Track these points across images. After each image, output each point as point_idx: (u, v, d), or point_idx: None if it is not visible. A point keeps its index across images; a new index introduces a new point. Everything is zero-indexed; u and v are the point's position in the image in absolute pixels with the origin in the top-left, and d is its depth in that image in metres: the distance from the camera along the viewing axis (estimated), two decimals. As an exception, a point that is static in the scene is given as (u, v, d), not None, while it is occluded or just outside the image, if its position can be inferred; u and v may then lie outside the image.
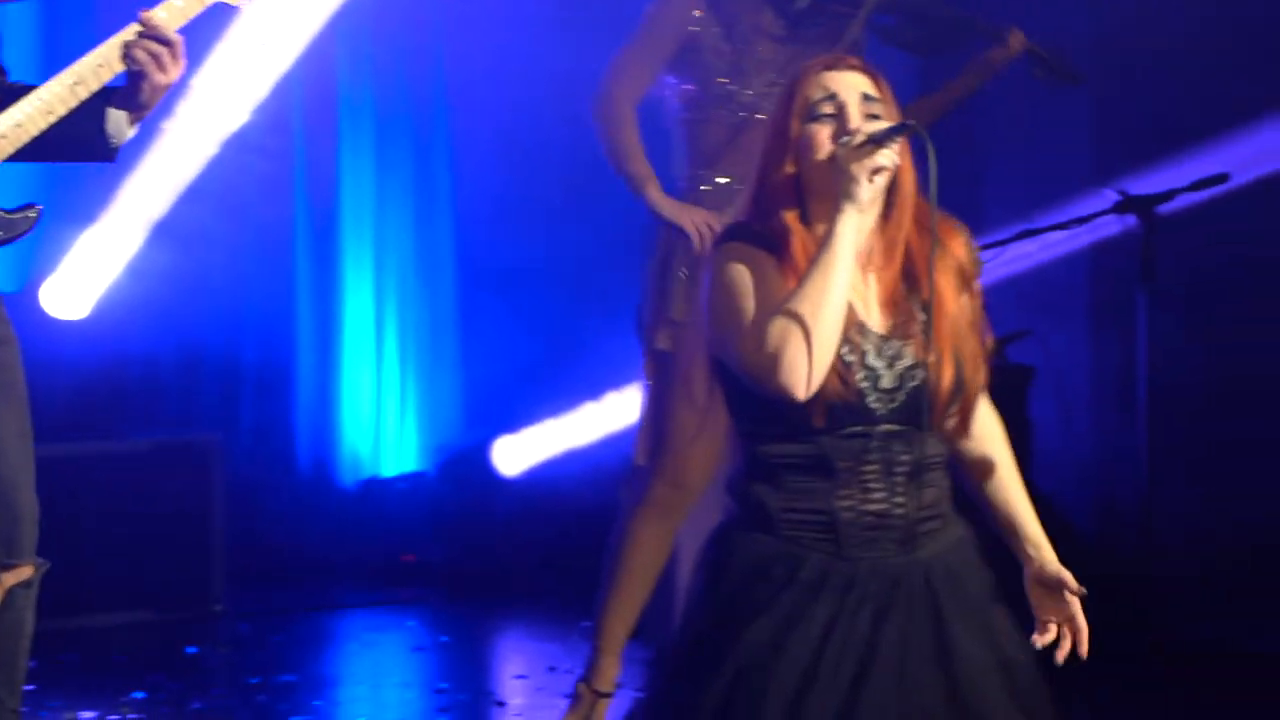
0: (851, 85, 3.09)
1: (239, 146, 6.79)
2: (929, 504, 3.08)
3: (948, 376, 3.07)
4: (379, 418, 7.64)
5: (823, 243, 2.98)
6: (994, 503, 3.22)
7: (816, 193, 3.07)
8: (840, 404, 3.01)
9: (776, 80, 4.79)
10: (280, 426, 7.60)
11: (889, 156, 3.00)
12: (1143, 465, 5.54)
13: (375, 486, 7.70)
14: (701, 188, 4.86)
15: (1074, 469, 6.50)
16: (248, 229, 7.20)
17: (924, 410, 3.07)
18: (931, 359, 3.06)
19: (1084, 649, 3.13)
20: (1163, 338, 5.70)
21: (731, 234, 3.10)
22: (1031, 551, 3.18)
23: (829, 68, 3.11)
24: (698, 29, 4.85)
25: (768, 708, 2.95)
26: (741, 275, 3.04)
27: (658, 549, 4.90)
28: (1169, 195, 5.77)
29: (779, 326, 2.94)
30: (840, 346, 2.99)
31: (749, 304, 3.02)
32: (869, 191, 2.99)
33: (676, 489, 4.86)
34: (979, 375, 3.12)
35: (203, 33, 4.53)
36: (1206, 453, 6.31)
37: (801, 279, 2.98)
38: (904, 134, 3.01)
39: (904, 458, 3.06)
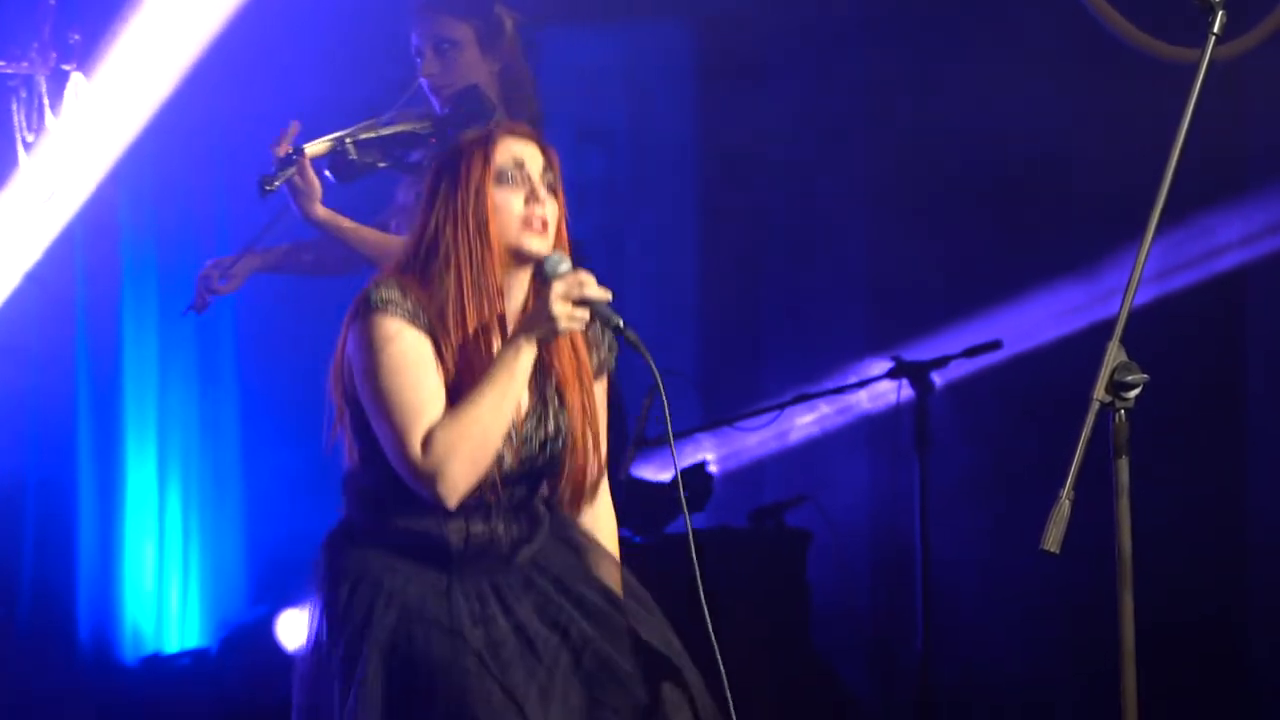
0: (534, 158, 3.18)
1: (14, 313, 6.63)
2: (530, 530, 3.19)
3: (579, 456, 3.20)
4: (161, 590, 7.47)
5: (501, 361, 3.02)
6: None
7: (493, 259, 3.13)
8: None
9: None
10: (61, 600, 7.39)
11: (582, 323, 3.09)
12: (918, 624, 5.59)
13: (157, 664, 7.49)
14: None
15: (851, 631, 6.52)
16: (27, 397, 7.05)
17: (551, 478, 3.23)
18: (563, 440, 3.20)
19: None
20: (938, 497, 5.80)
21: (388, 298, 3.16)
22: None
23: (514, 134, 3.20)
24: None
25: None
26: (408, 355, 3.08)
27: None
28: (943, 361, 5.89)
29: (447, 438, 2.99)
30: None
31: (415, 394, 3.04)
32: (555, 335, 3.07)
33: None
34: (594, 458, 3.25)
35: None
36: (982, 610, 6.38)
37: (475, 391, 3.01)
38: (615, 332, 3.12)
39: (518, 493, 3.17)
